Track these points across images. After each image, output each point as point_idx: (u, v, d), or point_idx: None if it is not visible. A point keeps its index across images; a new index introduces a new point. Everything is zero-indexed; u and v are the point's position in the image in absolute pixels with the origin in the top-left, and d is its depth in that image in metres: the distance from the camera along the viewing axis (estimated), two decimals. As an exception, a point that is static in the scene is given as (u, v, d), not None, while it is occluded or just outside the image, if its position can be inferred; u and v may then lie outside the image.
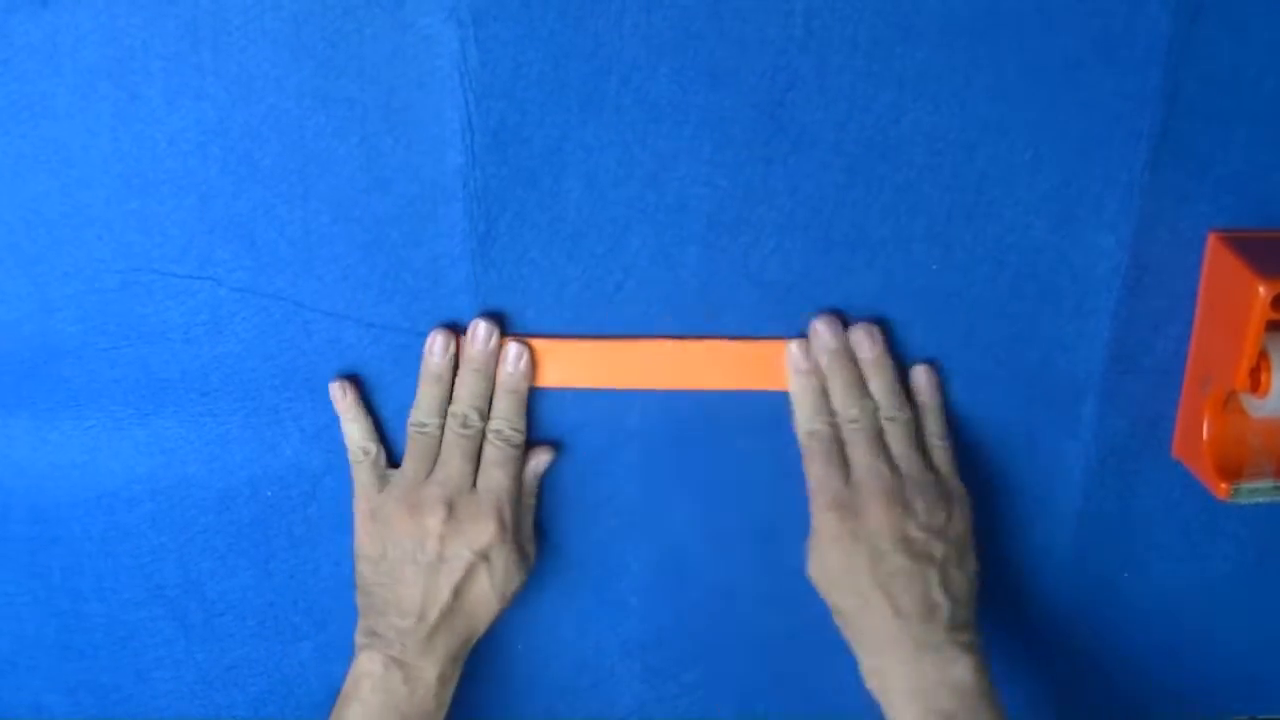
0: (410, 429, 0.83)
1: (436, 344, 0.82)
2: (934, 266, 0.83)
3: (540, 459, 0.85)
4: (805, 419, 0.83)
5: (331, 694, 0.85)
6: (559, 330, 0.83)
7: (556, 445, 0.86)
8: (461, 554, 0.81)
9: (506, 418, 0.83)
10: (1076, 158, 0.81)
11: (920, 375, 0.85)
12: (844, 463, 0.82)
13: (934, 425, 0.85)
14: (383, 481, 0.83)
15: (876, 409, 0.83)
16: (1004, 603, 0.91)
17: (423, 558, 0.81)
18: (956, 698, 0.79)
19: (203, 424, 0.85)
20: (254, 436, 0.86)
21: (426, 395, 0.83)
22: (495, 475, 0.82)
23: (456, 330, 0.82)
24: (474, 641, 0.83)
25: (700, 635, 0.92)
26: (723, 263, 0.83)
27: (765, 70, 0.78)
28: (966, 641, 0.81)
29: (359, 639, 0.83)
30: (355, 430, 0.83)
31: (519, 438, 0.83)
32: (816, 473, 0.82)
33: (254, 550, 0.89)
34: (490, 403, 0.83)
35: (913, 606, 0.80)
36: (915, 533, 0.81)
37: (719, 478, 0.88)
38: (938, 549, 0.81)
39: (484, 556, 0.81)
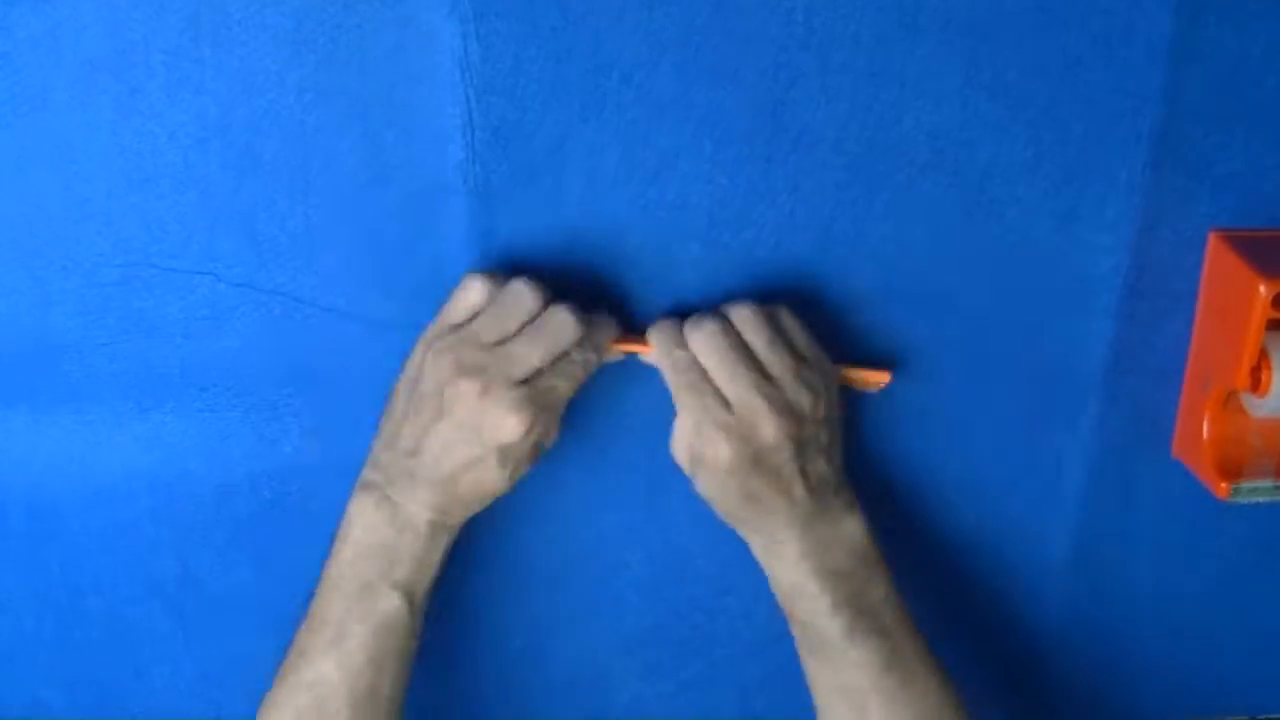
0: (519, 285, 0.78)
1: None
2: (935, 266, 0.84)
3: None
4: (664, 354, 0.80)
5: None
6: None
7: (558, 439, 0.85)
8: (482, 435, 0.76)
9: (600, 348, 0.80)
10: (1078, 157, 0.81)
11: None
12: (716, 389, 0.78)
13: (780, 314, 0.81)
14: (455, 327, 0.79)
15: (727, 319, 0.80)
16: (1003, 602, 0.92)
17: (449, 412, 0.77)
18: (850, 556, 0.81)
19: (202, 419, 0.85)
20: (253, 432, 0.85)
21: (559, 313, 0.78)
22: (559, 385, 0.78)
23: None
24: (467, 514, 0.81)
25: (699, 632, 0.93)
26: (723, 261, 0.83)
27: (766, 68, 0.78)
28: (849, 501, 0.82)
29: (362, 475, 0.81)
30: (484, 284, 0.78)
31: (593, 370, 0.80)
32: (692, 403, 0.78)
33: (253, 546, 0.88)
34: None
35: (805, 492, 0.79)
36: (804, 431, 0.79)
37: None
38: (823, 433, 0.80)
39: (500, 448, 0.77)
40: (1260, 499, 0.85)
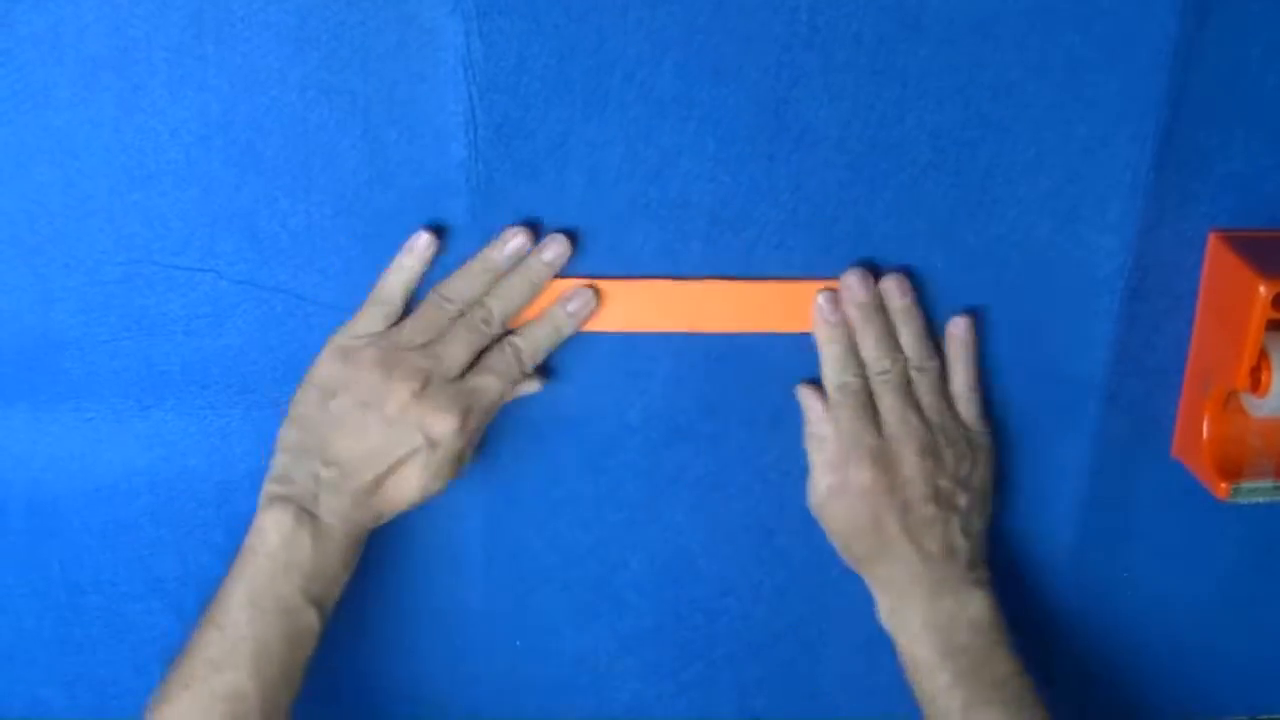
0: (433, 296, 0.80)
1: (512, 238, 0.80)
2: (937, 265, 0.83)
3: (531, 385, 0.83)
4: (835, 372, 0.83)
5: (329, 687, 0.86)
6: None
7: (558, 439, 0.86)
8: (414, 434, 0.78)
9: (536, 343, 0.81)
10: (1080, 158, 0.81)
11: (957, 326, 0.85)
12: (875, 416, 0.83)
13: (963, 375, 0.85)
14: (375, 336, 0.80)
15: (906, 361, 0.83)
16: (1003, 602, 0.90)
17: (376, 416, 0.78)
18: (973, 632, 0.82)
19: (203, 417, 0.85)
20: (254, 430, 0.85)
21: (471, 279, 0.80)
22: (489, 381, 0.80)
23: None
24: (378, 524, 0.81)
25: (699, 633, 0.92)
26: (725, 260, 0.83)
27: (769, 66, 0.78)
28: (981, 578, 0.84)
29: (268, 488, 0.79)
30: (397, 279, 0.80)
31: (531, 366, 0.81)
32: (847, 425, 0.82)
33: None
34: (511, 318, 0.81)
35: (936, 551, 0.82)
36: (944, 483, 0.83)
37: (719, 474, 0.88)
38: (962, 498, 0.84)
39: (431, 446, 0.78)
40: (1260, 499, 0.84)
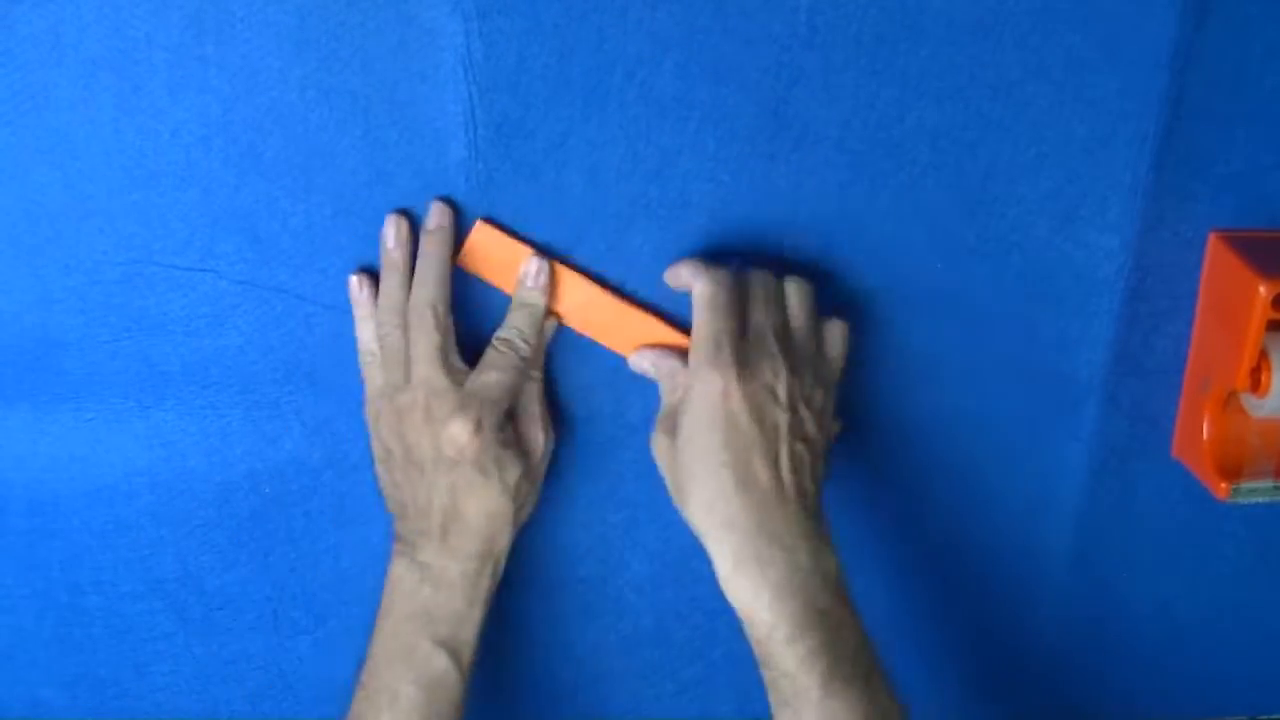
0: (379, 332, 0.80)
1: (390, 230, 0.79)
2: (937, 265, 0.83)
3: (549, 322, 0.82)
4: (708, 267, 0.78)
5: (332, 689, 0.86)
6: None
7: (558, 439, 0.85)
8: (444, 454, 0.77)
9: (519, 328, 0.80)
10: (1080, 158, 0.81)
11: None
12: (742, 318, 0.77)
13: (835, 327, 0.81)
14: (379, 391, 0.81)
15: (781, 279, 0.80)
16: (1004, 602, 0.91)
17: (416, 458, 0.78)
18: (830, 594, 0.74)
19: (203, 417, 0.85)
20: (254, 430, 0.85)
21: (389, 292, 0.79)
22: (488, 377, 0.79)
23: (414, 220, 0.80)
24: (502, 539, 0.80)
25: (699, 633, 0.92)
26: (724, 259, 0.81)
27: (769, 66, 0.78)
28: (827, 533, 0.76)
29: (395, 542, 0.81)
30: (366, 330, 0.81)
31: (527, 349, 0.80)
32: (715, 323, 0.76)
33: (253, 544, 0.88)
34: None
35: (792, 491, 0.74)
36: (801, 407, 0.76)
37: None
38: (818, 435, 0.77)
39: (458, 464, 0.77)
40: (1260, 499, 0.84)
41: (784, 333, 0.77)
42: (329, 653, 0.91)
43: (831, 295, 0.83)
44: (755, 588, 0.73)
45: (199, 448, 0.86)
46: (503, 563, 0.81)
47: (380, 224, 0.80)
